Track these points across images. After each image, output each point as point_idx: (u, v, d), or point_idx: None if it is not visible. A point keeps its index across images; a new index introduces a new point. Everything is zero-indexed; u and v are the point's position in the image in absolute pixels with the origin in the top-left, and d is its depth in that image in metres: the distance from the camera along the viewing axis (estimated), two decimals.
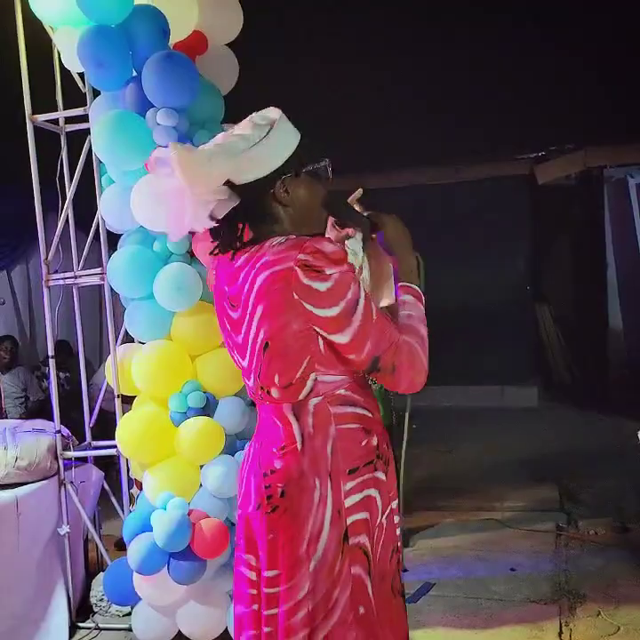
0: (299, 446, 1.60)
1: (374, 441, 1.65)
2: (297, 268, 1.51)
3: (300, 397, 1.60)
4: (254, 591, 1.65)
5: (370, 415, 1.66)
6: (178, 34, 2.65)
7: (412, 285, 1.71)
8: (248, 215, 1.64)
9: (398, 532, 1.74)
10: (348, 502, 1.59)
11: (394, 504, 1.71)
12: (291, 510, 1.58)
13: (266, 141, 1.60)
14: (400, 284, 1.72)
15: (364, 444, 1.63)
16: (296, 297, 1.53)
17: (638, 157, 7.26)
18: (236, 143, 1.59)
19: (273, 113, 1.66)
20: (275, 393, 1.61)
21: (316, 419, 1.61)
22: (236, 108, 2.84)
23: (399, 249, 1.76)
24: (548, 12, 6.09)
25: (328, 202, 1.70)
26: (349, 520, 1.58)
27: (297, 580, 1.55)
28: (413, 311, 1.67)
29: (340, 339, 1.55)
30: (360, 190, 1.78)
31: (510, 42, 6.25)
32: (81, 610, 3.27)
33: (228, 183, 1.60)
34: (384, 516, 1.67)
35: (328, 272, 1.51)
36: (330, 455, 1.60)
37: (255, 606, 1.65)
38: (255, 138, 1.60)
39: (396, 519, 1.73)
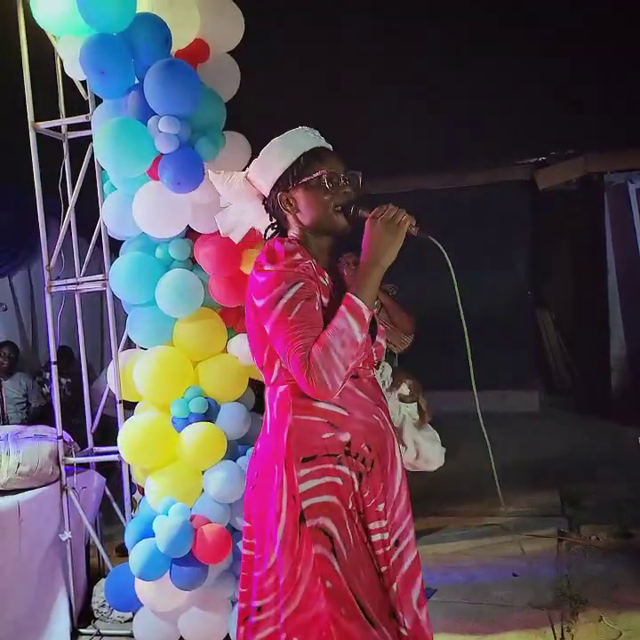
0: (268, 431, 1.79)
1: (344, 437, 1.73)
2: (254, 263, 1.72)
3: (271, 381, 1.77)
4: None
5: (342, 412, 1.74)
6: (180, 42, 2.66)
7: (354, 297, 1.67)
8: (272, 222, 1.88)
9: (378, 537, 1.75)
10: (303, 487, 1.70)
11: (380, 507, 1.75)
12: (260, 490, 1.78)
13: (260, 155, 1.84)
14: (349, 291, 1.69)
15: (326, 436, 1.73)
16: (250, 293, 1.73)
17: (638, 163, 7.27)
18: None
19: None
20: (261, 375, 1.81)
21: (279, 406, 1.75)
22: (237, 116, 2.86)
23: (371, 251, 1.72)
24: (548, 19, 6.12)
25: (340, 207, 1.77)
26: (305, 504, 1.69)
27: (265, 553, 1.75)
28: (338, 322, 1.65)
29: (266, 329, 1.69)
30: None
31: (511, 48, 6.27)
32: (82, 616, 3.27)
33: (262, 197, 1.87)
34: (350, 505, 1.73)
35: (266, 268, 1.68)
36: (285, 443, 1.71)
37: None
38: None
39: (377, 524, 1.75)
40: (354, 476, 1.74)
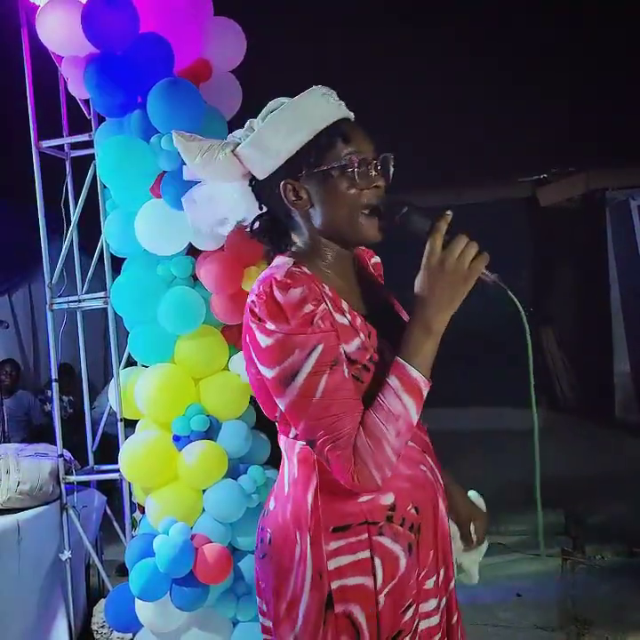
0: (285, 490, 1.39)
1: (386, 500, 1.33)
2: (249, 304, 1.27)
3: (290, 436, 1.36)
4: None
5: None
6: (182, 61, 2.68)
7: (410, 367, 1.25)
8: (262, 226, 1.41)
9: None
10: (333, 564, 1.31)
11: (429, 583, 1.38)
12: (275, 561, 1.38)
13: (260, 130, 1.31)
14: (398, 357, 1.26)
15: (363, 500, 1.32)
16: (247, 338, 1.30)
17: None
18: (240, 133, 1.38)
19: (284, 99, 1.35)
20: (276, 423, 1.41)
21: (300, 462, 1.36)
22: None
23: (436, 302, 1.25)
24: (548, 35, 6.16)
25: (370, 208, 1.33)
26: (334, 585, 1.31)
27: (281, 639, 1.37)
28: (390, 403, 1.24)
29: (279, 404, 1.29)
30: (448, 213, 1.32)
31: (512, 65, 6.31)
32: (82, 637, 3.24)
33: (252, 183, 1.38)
34: (382, 594, 1.32)
35: (269, 327, 1.23)
36: (310, 508, 1.33)
37: None
38: (254, 128, 1.34)
39: (425, 606, 1.38)
40: (399, 551, 1.33)
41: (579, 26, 5.98)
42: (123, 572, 3.28)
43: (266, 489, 2.84)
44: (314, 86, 1.31)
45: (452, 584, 1.47)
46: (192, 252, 2.85)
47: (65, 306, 3.16)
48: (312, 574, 1.32)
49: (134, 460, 2.77)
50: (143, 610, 2.74)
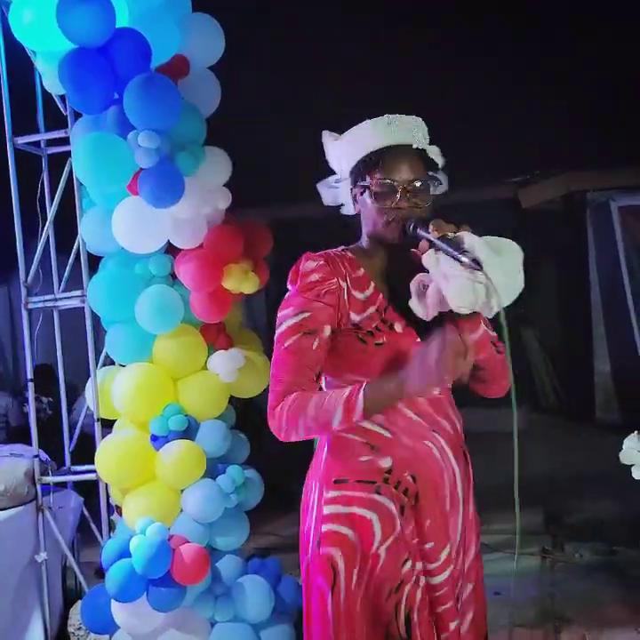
0: (315, 446, 1.69)
1: (384, 463, 1.57)
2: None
3: None
4: None
5: (385, 434, 1.57)
6: (160, 57, 2.66)
7: (362, 395, 1.46)
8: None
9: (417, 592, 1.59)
10: (327, 510, 1.58)
11: (428, 545, 1.59)
12: (302, 508, 1.68)
13: (344, 140, 1.67)
14: (369, 383, 1.49)
15: (363, 459, 1.58)
16: None
17: (620, 181, 7.34)
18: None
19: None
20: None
21: None
22: (217, 131, 2.86)
23: (420, 375, 1.43)
24: (531, 39, 6.19)
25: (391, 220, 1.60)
26: (324, 528, 1.58)
27: (301, 562, 1.68)
28: (329, 400, 1.49)
29: None
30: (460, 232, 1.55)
31: (495, 66, 6.33)
32: (58, 639, 3.20)
33: None
34: (383, 547, 1.56)
35: (288, 286, 1.63)
36: (323, 462, 1.62)
37: None
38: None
39: (418, 578, 1.59)
40: (394, 510, 1.57)
41: (563, 26, 6.02)
42: (101, 574, 3.25)
43: (245, 489, 2.83)
44: (385, 116, 1.64)
45: (468, 564, 1.70)
46: (170, 249, 2.82)
47: (41, 305, 3.13)
48: (316, 519, 1.60)
49: (111, 460, 2.75)
50: (120, 611, 2.71)
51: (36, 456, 3.12)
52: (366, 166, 1.60)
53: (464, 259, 1.42)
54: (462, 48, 6.04)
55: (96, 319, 2.98)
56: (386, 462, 1.57)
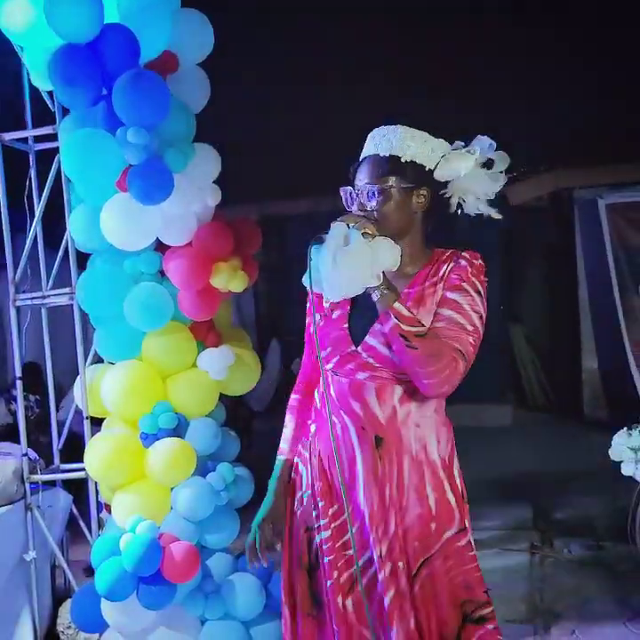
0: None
1: (313, 428, 1.92)
2: None
3: None
4: None
5: (317, 405, 1.92)
6: (149, 53, 2.64)
7: None
8: None
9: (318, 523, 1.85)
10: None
11: (321, 504, 1.85)
12: None
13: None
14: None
15: (309, 422, 1.95)
16: None
17: (608, 178, 7.38)
18: None
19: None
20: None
21: None
22: (207, 128, 2.85)
23: None
24: (519, 36, 6.20)
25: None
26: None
27: None
28: None
29: None
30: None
31: (482, 64, 6.34)
32: (47, 638, 3.18)
33: None
34: (303, 494, 1.91)
35: (473, 279, 1.92)
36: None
37: None
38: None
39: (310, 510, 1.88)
40: (316, 465, 1.88)
41: (550, 25, 6.03)
42: (91, 572, 3.23)
43: (235, 486, 2.82)
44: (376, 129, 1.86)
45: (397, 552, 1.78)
46: (159, 247, 2.81)
47: (29, 302, 3.10)
48: None
49: (100, 458, 2.74)
50: (109, 609, 2.70)
51: (25, 454, 3.10)
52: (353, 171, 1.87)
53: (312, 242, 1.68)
54: (452, 45, 6.04)
55: (85, 317, 2.96)
56: (312, 427, 1.92)
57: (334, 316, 1.86)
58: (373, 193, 1.76)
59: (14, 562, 3.04)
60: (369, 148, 1.84)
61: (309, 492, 1.88)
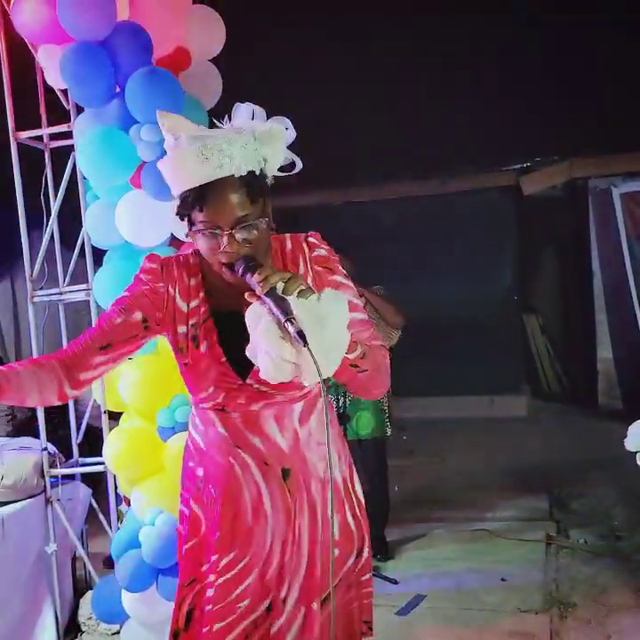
0: None
1: (199, 472, 1.68)
2: None
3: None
4: None
5: (201, 445, 1.66)
6: (161, 50, 2.66)
7: None
8: None
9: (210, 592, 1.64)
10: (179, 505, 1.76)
11: (214, 558, 1.62)
12: None
13: (165, 158, 1.51)
14: None
15: (190, 464, 1.72)
16: None
17: (622, 168, 7.32)
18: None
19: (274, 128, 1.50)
20: None
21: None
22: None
23: None
24: (532, 25, 6.16)
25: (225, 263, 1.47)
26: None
27: None
28: None
29: None
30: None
31: (495, 53, 6.30)
32: (69, 629, 3.23)
33: None
34: (187, 546, 1.72)
35: None
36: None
37: None
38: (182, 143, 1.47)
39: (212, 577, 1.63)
40: (202, 517, 1.69)
41: (564, 13, 5.98)
42: (110, 564, 3.28)
43: None
44: (199, 137, 1.42)
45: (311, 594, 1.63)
46: (174, 242, 2.83)
47: (46, 299, 3.14)
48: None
49: (118, 452, 2.77)
50: (130, 601, 2.74)
51: (45, 449, 3.14)
52: (190, 205, 1.46)
53: (291, 328, 1.30)
54: (464, 33, 6.01)
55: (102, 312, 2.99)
56: (199, 472, 1.68)
57: (203, 348, 1.57)
58: (255, 218, 1.47)
59: (36, 554, 3.09)
60: (211, 171, 1.42)
61: (193, 542, 1.70)
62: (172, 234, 2.77)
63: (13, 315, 6.71)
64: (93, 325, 1.64)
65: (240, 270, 1.42)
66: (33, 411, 5.61)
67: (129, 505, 2.88)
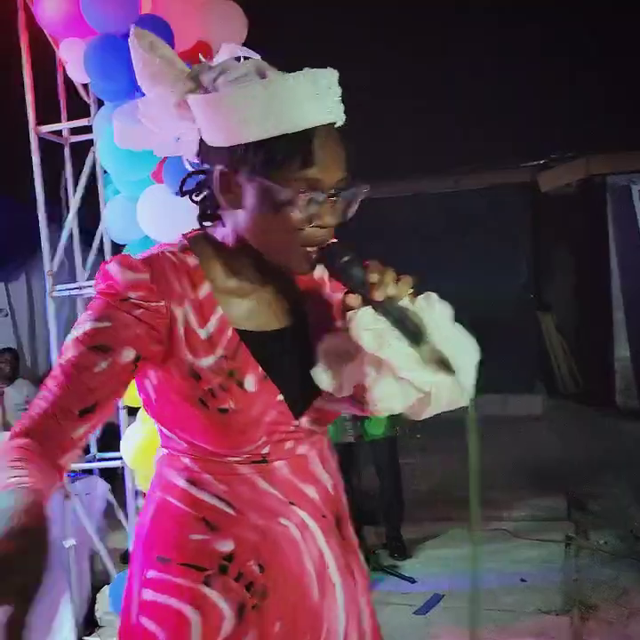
0: (148, 492, 1.23)
1: (223, 546, 1.11)
2: None
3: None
4: None
5: (227, 510, 1.11)
6: (182, 44, 2.64)
7: None
8: (194, 189, 1.17)
9: None
10: (144, 595, 1.13)
11: None
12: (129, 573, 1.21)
13: (219, 97, 1.04)
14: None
15: (194, 538, 1.11)
16: None
17: None
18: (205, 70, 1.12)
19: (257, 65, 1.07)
20: None
21: (157, 468, 1.20)
22: None
23: None
24: (549, 21, 6.11)
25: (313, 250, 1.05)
26: (141, 619, 1.13)
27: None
28: None
29: None
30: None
31: (511, 50, 6.26)
32: (86, 624, 3.24)
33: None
34: None
35: (96, 286, 1.09)
36: (146, 527, 1.17)
37: None
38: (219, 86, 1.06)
39: None
40: (226, 609, 1.10)
41: (579, 9, 5.94)
42: (127, 559, 3.28)
43: None
44: (310, 71, 1.01)
45: None
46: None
47: (66, 293, 3.14)
48: (136, 598, 1.15)
49: (136, 447, 2.76)
50: None
51: None
52: (284, 157, 1.00)
53: (429, 349, 1.01)
54: (484, 30, 5.98)
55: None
56: (225, 546, 1.11)
57: (250, 386, 1.09)
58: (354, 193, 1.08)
59: (53, 549, 3.08)
60: (323, 117, 1.02)
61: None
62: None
63: (30, 310, 6.75)
64: (55, 369, 1.06)
65: (342, 262, 1.03)
66: None
67: None
